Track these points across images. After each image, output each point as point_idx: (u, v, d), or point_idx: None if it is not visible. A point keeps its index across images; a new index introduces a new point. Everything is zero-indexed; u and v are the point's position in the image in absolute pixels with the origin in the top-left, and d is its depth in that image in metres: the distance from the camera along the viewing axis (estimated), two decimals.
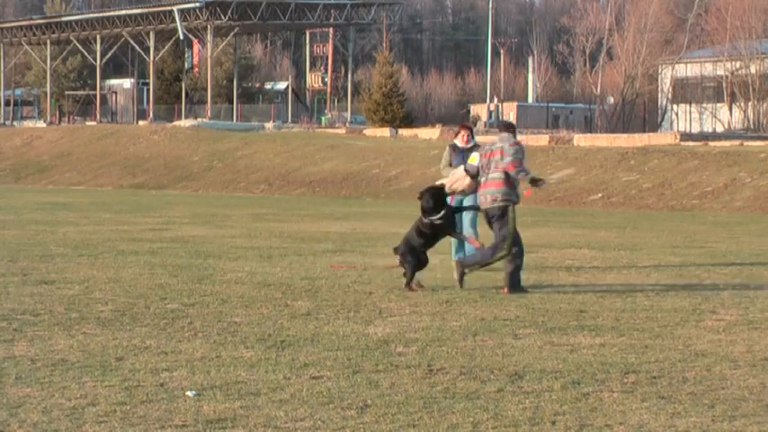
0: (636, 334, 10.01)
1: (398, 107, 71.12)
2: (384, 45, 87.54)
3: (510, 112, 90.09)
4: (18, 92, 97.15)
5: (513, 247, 12.71)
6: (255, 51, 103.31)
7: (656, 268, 15.76)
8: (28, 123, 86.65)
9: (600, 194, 39.39)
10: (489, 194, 12.84)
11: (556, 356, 8.87)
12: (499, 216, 12.78)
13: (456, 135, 15.66)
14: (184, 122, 71.14)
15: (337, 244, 19.36)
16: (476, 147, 14.91)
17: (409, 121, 71.02)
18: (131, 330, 9.86)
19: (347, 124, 72.38)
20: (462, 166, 13.39)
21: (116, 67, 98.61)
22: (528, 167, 13.23)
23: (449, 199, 13.64)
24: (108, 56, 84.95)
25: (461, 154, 15.01)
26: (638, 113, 78.15)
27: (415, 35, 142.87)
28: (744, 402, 7.37)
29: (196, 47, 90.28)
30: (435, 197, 13.03)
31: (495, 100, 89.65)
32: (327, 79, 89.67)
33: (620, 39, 78.29)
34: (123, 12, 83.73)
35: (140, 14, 79.65)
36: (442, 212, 12.92)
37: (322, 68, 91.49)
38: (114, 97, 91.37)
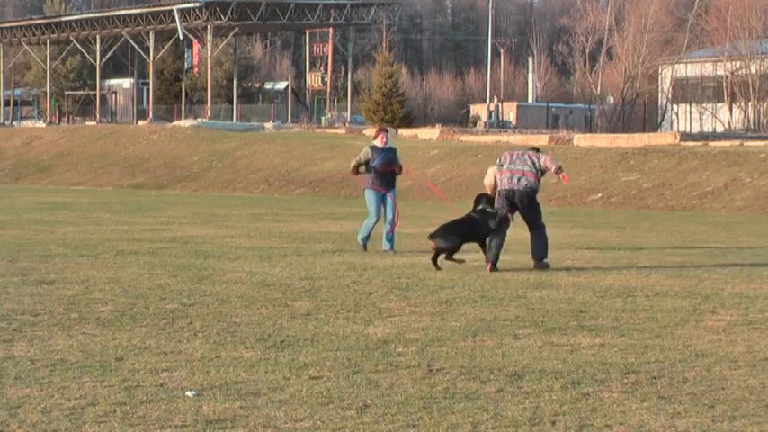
0: (636, 334, 10.01)
1: (398, 107, 71.13)
2: (384, 45, 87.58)
3: (510, 113, 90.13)
4: (18, 92, 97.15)
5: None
6: (255, 51, 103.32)
7: (656, 268, 15.76)
8: (28, 123, 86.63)
9: (600, 194, 39.40)
10: None
11: (556, 356, 8.87)
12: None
13: (375, 137, 18.21)
14: (184, 122, 71.14)
15: (337, 244, 19.36)
16: (394, 149, 18.07)
17: (409, 121, 71.02)
18: (131, 330, 9.86)
19: (347, 124, 72.37)
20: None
21: (116, 67, 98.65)
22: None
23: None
24: (108, 56, 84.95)
25: (382, 153, 17.86)
26: (638, 113, 78.15)
27: (415, 35, 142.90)
28: (744, 402, 7.37)
29: (196, 47, 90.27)
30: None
31: (495, 100, 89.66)
32: (327, 79, 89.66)
33: (620, 39, 78.28)
34: (123, 12, 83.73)
35: (140, 14, 79.64)
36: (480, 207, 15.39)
37: (322, 68, 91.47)
38: (114, 97, 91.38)
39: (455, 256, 15.17)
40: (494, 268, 14.98)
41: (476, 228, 15.22)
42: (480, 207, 15.37)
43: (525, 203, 15.48)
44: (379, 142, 17.95)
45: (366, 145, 18.88)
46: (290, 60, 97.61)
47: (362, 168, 18.05)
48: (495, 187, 15.68)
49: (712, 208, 35.96)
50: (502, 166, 15.65)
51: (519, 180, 15.42)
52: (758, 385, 7.89)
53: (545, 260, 15.46)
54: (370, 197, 17.97)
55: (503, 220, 15.30)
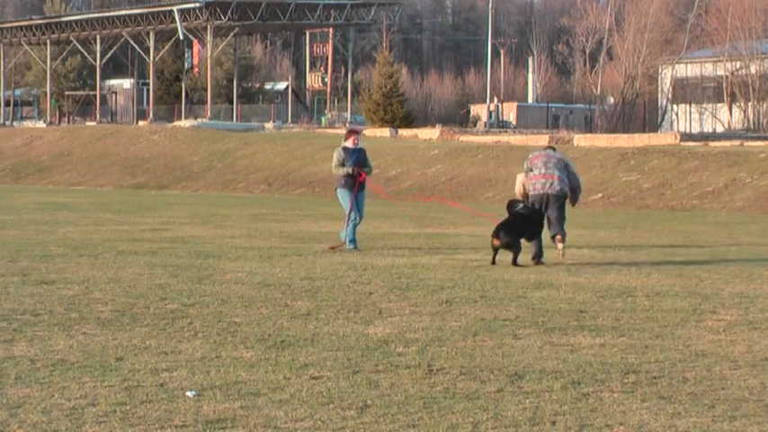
0: (636, 334, 10.01)
1: (398, 107, 71.11)
2: (384, 45, 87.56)
3: (510, 113, 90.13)
4: (18, 92, 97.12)
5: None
6: (255, 51, 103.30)
7: (656, 268, 15.76)
8: (28, 123, 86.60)
9: (600, 194, 39.38)
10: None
11: (556, 356, 8.87)
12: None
13: (346, 139, 18.68)
14: (184, 122, 71.13)
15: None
16: (364, 150, 18.46)
17: (409, 121, 70.99)
18: (131, 330, 9.86)
19: (347, 124, 72.32)
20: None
21: (116, 67, 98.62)
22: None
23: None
24: (108, 56, 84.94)
25: (354, 154, 18.30)
26: (638, 114, 78.12)
27: (415, 35, 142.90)
28: (744, 402, 7.37)
29: (196, 47, 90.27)
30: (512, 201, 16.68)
31: (495, 100, 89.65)
32: (327, 79, 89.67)
33: (620, 39, 78.26)
34: (123, 12, 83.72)
35: (140, 14, 79.62)
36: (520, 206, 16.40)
37: (322, 68, 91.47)
38: (114, 97, 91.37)
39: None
40: (540, 261, 16.09)
41: (527, 223, 16.10)
42: (521, 206, 16.27)
43: (555, 205, 16.31)
44: (350, 144, 18.55)
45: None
46: (290, 60, 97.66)
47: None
48: (525, 194, 16.50)
49: (712, 208, 35.95)
50: (531, 170, 16.42)
51: (552, 184, 16.27)
52: (758, 385, 7.89)
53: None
54: (343, 196, 18.59)
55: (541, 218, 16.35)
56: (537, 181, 16.31)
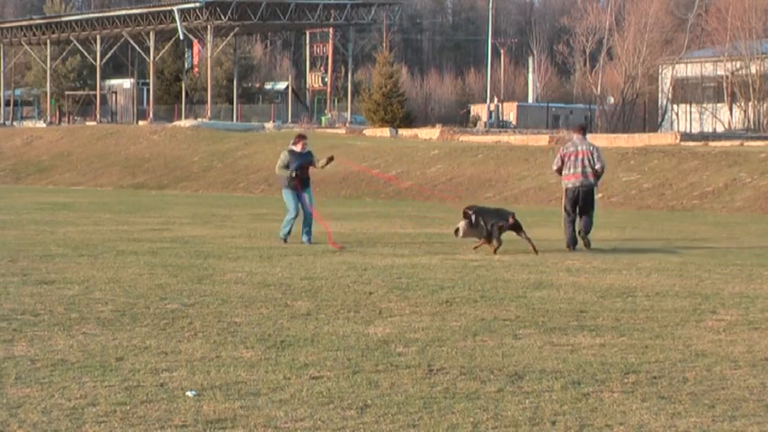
0: (636, 334, 10.01)
1: (398, 107, 71.11)
2: (384, 45, 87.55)
3: (510, 112, 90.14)
4: (18, 92, 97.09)
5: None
6: (255, 51, 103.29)
7: (656, 268, 15.76)
8: (28, 123, 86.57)
9: (600, 194, 39.34)
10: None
11: (556, 356, 8.87)
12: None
13: (295, 144, 19.75)
14: (184, 122, 71.11)
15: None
16: (310, 153, 19.61)
17: (409, 121, 70.99)
18: (131, 330, 9.86)
19: (347, 124, 72.34)
20: None
21: (116, 67, 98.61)
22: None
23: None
24: (108, 56, 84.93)
25: (299, 158, 19.45)
26: (639, 113, 78.14)
27: (415, 35, 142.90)
28: (744, 402, 7.38)
29: (196, 47, 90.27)
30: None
31: (496, 100, 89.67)
32: (327, 79, 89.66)
33: (620, 39, 78.28)
34: (123, 12, 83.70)
35: (140, 14, 79.60)
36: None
37: (322, 68, 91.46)
38: (114, 97, 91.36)
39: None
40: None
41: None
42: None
43: (585, 197, 18.88)
44: (298, 148, 19.71)
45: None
46: (290, 60, 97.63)
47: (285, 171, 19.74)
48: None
49: (712, 208, 35.93)
50: (566, 167, 18.62)
51: (582, 183, 18.71)
52: (758, 385, 7.89)
53: (589, 236, 18.80)
54: (287, 196, 19.65)
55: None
56: (569, 181, 18.70)
